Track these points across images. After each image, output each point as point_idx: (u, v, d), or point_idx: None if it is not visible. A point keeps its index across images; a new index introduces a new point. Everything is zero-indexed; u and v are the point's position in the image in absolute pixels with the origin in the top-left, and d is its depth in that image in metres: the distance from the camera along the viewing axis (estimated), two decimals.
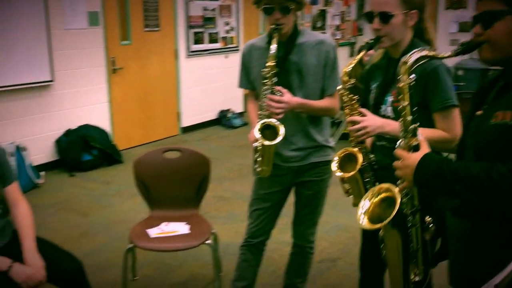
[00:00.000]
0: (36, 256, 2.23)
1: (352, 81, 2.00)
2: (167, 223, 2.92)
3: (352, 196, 2.12)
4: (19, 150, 4.92)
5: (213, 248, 2.82)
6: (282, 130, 2.27)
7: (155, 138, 6.56)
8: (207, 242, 2.76)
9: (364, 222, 1.63)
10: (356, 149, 2.04)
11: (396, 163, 1.59)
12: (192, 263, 3.45)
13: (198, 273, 3.32)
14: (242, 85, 2.58)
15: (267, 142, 2.27)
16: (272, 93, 2.28)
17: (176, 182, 3.05)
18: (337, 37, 9.65)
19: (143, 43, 6.32)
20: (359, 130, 1.96)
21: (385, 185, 1.66)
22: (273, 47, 2.25)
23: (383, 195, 1.66)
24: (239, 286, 2.68)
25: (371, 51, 2.06)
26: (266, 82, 2.29)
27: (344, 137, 5.75)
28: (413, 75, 1.56)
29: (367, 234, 2.33)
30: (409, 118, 1.57)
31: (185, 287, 3.17)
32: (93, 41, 5.72)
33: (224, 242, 3.69)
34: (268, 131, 2.30)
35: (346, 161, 2.08)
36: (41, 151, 5.35)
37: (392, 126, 1.93)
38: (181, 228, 2.87)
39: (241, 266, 2.68)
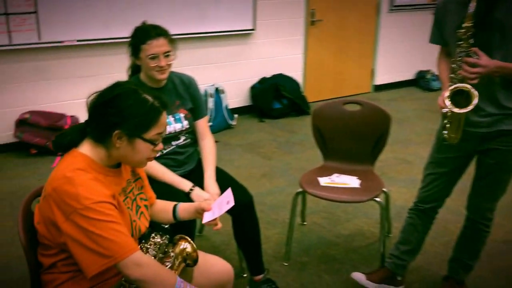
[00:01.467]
0: (214, 184, 2.51)
1: None
2: (339, 174, 3.00)
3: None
4: (218, 92, 5.43)
5: (382, 206, 2.81)
6: (476, 96, 2.12)
7: (345, 94, 6.59)
8: (376, 199, 2.77)
9: None
10: None
11: None
12: (362, 219, 3.50)
13: (366, 230, 3.36)
14: (433, 40, 2.47)
15: (457, 110, 2.16)
16: (468, 55, 2.14)
17: (353, 135, 3.09)
18: None
19: None
20: None
21: None
22: (472, 5, 2.08)
23: None
24: (402, 249, 2.65)
25: None
26: (462, 44, 2.15)
27: None
28: None
29: None
30: None
31: (350, 240, 3.24)
32: None
33: (398, 205, 3.65)
34: (460, 97, 2.18)
35: None
36: (236, 95, 5.82)
37: None
38: (352, 181, 2.92)
39: (406, 230, 2.64)
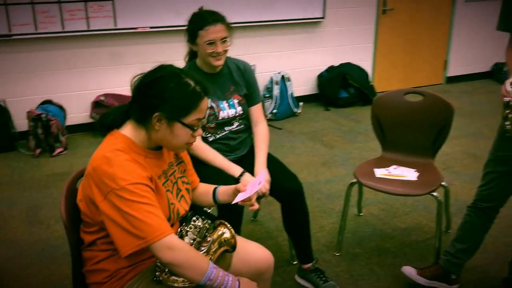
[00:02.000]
0: (265, 170, 2.41)
1: None
2: (397, 166, 2.81)
3: None
4: (284, 80, 5.32)
5: (439, 201, 2.60)
6: None
7: (416, 85, 6.26)
8: (433, 193, 2.57)
9: None
10: None
11: None
12: (421, 213, 3.29)
13: (424, 225, 3.15)
14: (500, 26, 2.24)
15: None
16: None
17: (413, 126, 2.88)
18: None
19: None
20: None
21: None
22: None
23: None
24: (458, 247, 2.44)
25: None
26: None
27: None
28: None
29: None
30: None
31: (406, 234, 3.05)
32: None
33: (461, 200, 3.40)
34: None
35: None
36: (303, 83, 5.68)
37: None
38: (409, 174, 2.73)
39: (464, 228, 2.43)
